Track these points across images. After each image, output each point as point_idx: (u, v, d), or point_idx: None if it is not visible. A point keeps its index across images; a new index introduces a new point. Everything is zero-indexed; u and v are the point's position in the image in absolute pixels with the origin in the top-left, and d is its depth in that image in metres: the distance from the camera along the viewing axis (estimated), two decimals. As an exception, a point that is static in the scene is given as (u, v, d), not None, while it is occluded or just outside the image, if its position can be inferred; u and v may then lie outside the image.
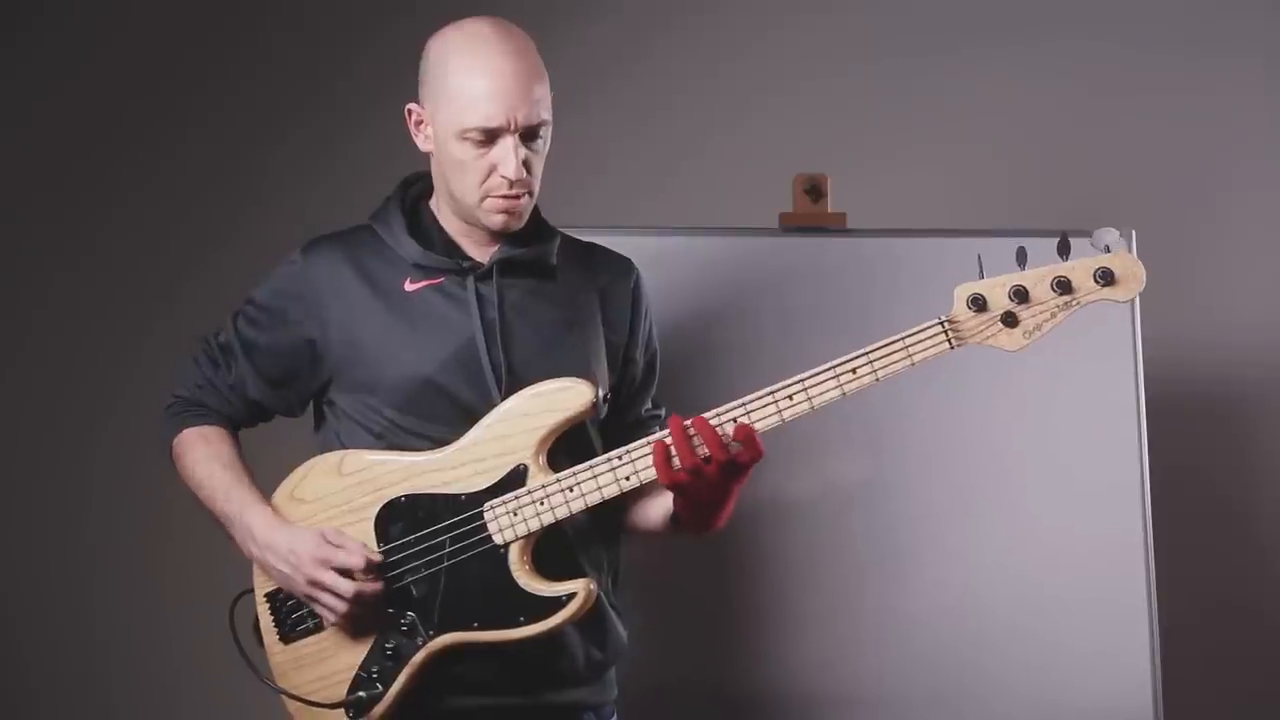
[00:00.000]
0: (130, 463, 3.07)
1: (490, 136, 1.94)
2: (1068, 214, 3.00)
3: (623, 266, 2.15)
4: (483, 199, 1.98)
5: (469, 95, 1.93)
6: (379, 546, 1.96)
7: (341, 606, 1.93)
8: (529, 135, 1.95)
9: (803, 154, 2.78)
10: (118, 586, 3.15)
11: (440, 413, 1.97)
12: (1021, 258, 1.85)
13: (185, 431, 2.09)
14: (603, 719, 2.09)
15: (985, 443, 2.60)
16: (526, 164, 1.95)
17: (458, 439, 1.96)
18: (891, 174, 3.10)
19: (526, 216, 2.03)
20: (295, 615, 2.00)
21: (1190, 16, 3.22)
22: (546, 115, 1.96)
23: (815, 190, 2.65)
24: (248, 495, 2.01)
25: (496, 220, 1.99)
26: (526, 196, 1.99)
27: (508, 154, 1.93)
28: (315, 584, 1.93)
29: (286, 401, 2.11)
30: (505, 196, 1.96)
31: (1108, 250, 1.84)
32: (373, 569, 1.93)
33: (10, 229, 3.19)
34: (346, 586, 1.92)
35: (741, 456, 1.88)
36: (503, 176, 1.94)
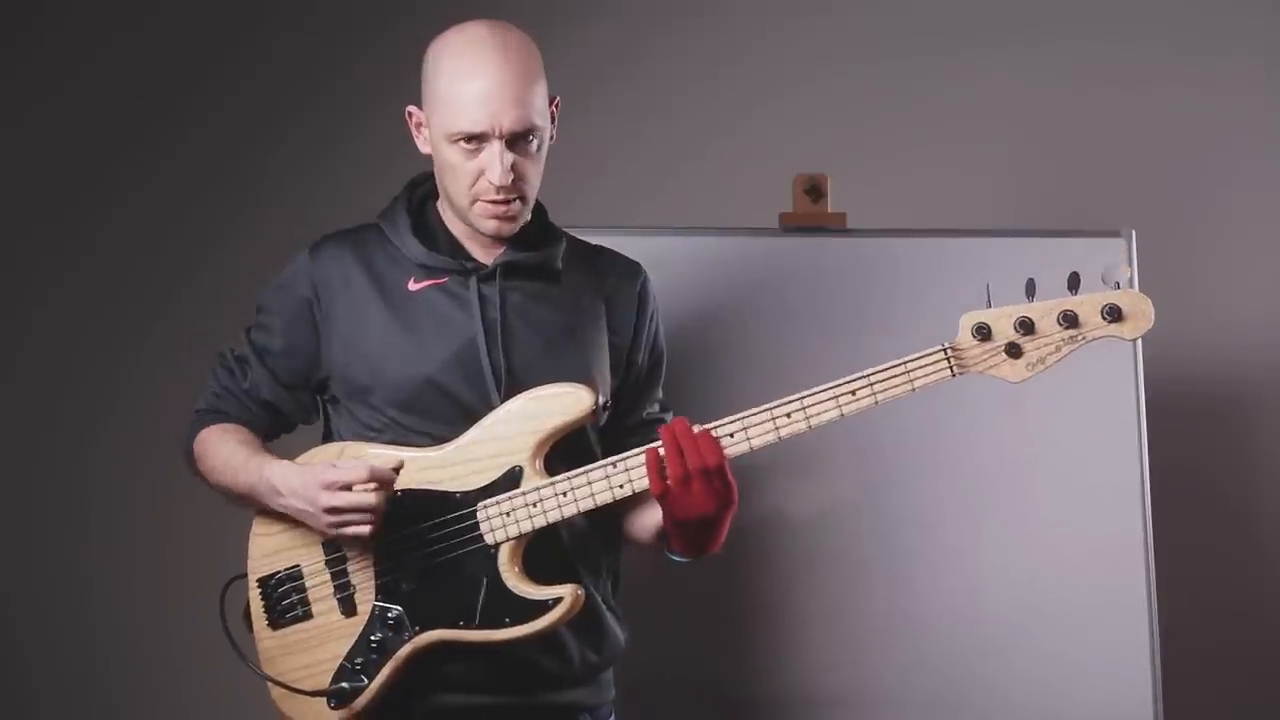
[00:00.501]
0: (130, 462, 3.08)
1: (477, 141, 1.93)
2: (1067, 214, 3.01)
3: (630, 269, 2.15)
4: (472, 203, 1.98)
5: (457, 99, 1.93)
6: (373, 541, 1.95)
7: (362, 523, 1.88)
8: (517, 140, 1.94)
9: (803, 154, 2.78)
10: (117, 586, 3.15)
11: (441, 412, 1.98)
12: (1030, 289, 1.85)
13: (204, 431, 2.09)
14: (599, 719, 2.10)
15: (985, 443, 2.60)
16: (518, 169, 1.95)
17: (457, 438, 1.96)
18: (891, 174, 3.10)
19: (522, 221, 2.03)
20: (285, 602, 2.01)
21: (1190, 16, 3.22)
22: (538, 121, 1.95)
23: (815, 190, 2.65)
24: (265, 457, 2.01)
25: (488, 226, 1.99)
26: (518, 202, 1.98)
27: (494, 160, 1.93)
28: (330, 510, 1.89)
29: (302, 404, 2.11)
30: (494, 202, 1.96)
31: (1117, 286, 1.84)
32: (380, 475, 1.89)
33: (10, 229, 3.19)
34: (358, 500, 1.87)
35: (707, 459, 1.86)
36: (490, 182, 1.94)
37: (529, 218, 2.05)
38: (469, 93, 1.92)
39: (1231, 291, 3.18)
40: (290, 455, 2.06)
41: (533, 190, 2.00)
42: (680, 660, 2.53)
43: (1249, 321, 3.17)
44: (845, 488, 2.60)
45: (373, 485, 1.88)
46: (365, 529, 1.90)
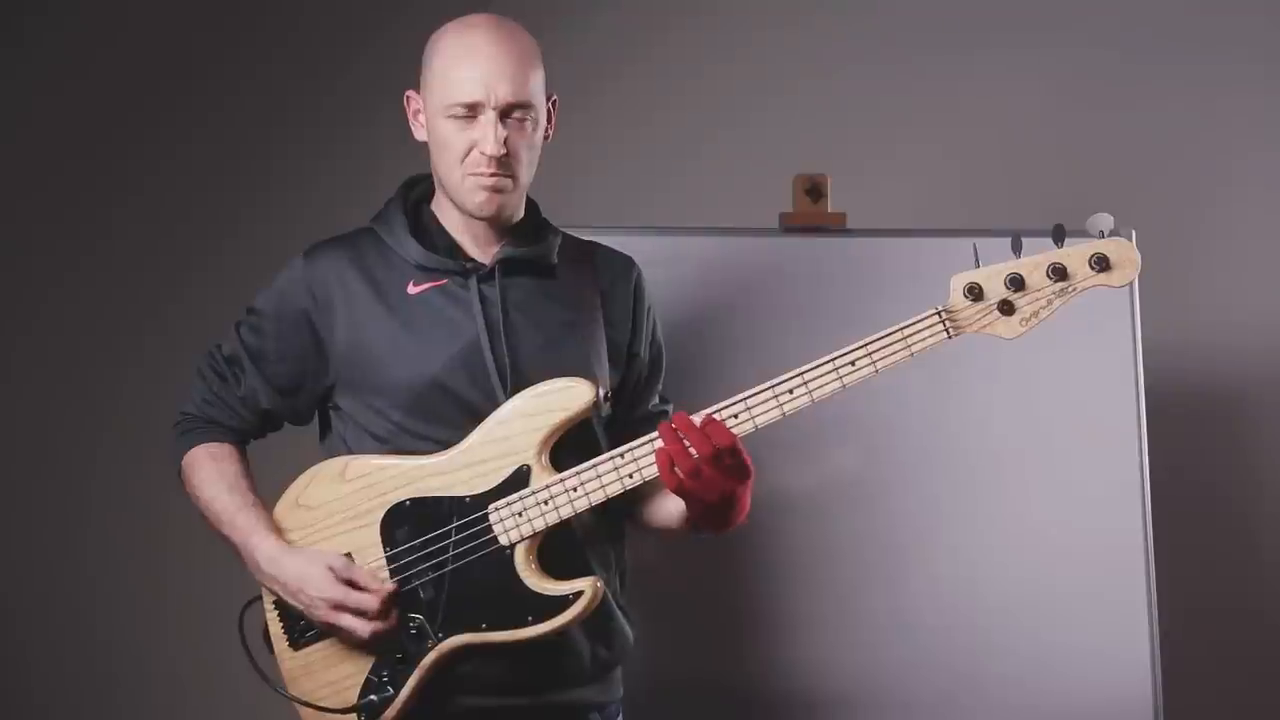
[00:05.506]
0: (132, 464, 3.07)
1: (471, 112, 1.95)
2: (1067, 213, 2.99)
3: (623, 265, 2.16)
4: (464, 178, 1.98)
5: (453, 74, 1.96)
6: (385, 551, 1.96)
7: (360, 641, 1.94)
8: (510, 113, 1.95)
9: (803, 154, 2.78)
10: (121, 592, 3.14)
11: (447, 414, 1.98)
12: (1017, 246, 1.86)
13: (194, 450, 2.09)
14: (608, 718, 2.10)
15: (985, 443, 2.60)
16: (510, 145, 1.96)
17: (460, 442, 1.96)
18: (891, 174, 3.10)
19: (515, 206, 2.04)
20: (304, 621, 2.00)
21: (1189, 16, 3.22)
22: (533, 99, 1.97)
23: (815, 190, 2.65)
24: (250, 522, 2.01)
25: (478, 199, 1.98)
26: (510, 180, 1.98)
27: (487, 130, 1.94)
28: (331, 626, 1.94)
29: (295, 410, 2.10)
30: (484, 174, 1.97)
31: (1103, 236, 1.85)
32: (389, 603, 1.93)
33: (10, 229, 3.19)
34: (364, 629, 1.92)
35: (719, 442, 1.85)
36: (481, 153, 1.95)
37: (520, 206, 2.06)
38: (464, 65, 1.95)
39: (1231, 291, 3.18)
40: (292, 460, 2.06)
41: (524, 173, 2.00)
42: (686, 658, 2.53)
43: (1249, 321, 3.17)
44: (848, 488, 2.60)
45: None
46: (360, 641, 1.94)
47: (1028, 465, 2.61)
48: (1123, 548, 2.59)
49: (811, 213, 2.65)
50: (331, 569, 1.94)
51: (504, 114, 1.95)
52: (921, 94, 3.21)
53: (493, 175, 1.97)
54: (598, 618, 1.98)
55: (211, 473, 2.06)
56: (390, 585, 1.94)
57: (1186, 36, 3.21)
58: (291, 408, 2.10)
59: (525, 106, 1.96)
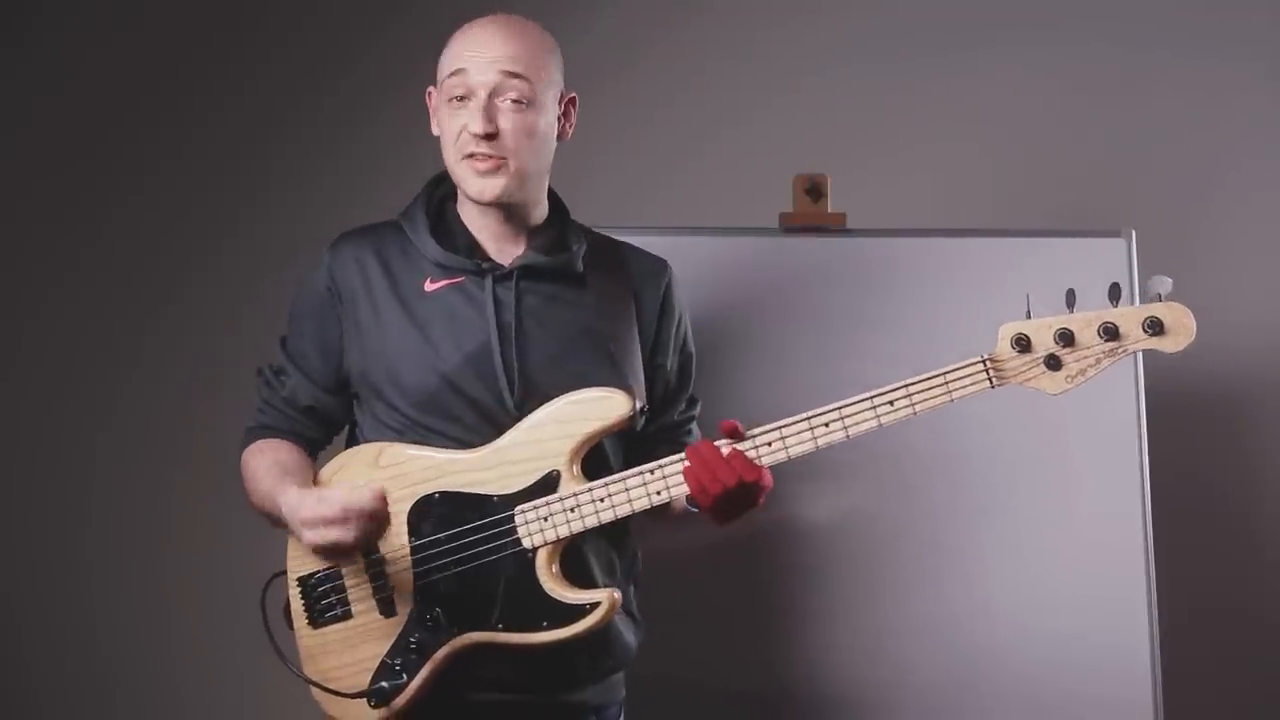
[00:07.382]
0: (132, 464, 3.07)
1: (465, 94, 1.95)
2: (1067, 214, 3.01)
3: (653, 268, 2.15)
4: (459, 161, 1.98)
5: (451, 52, 1.98)
6: (410, 541, 1.96)
7: (350, 535, 1.91)
8: (501, 93, 1.95)
9: (803, 154, 2.78)
10: (121, 592, 3.13)
11: (458, 412, 1.98)
12: (1070, 300, 1.82)
13: (248, 448, 2.10)
14: (607, 719, 2.10)
15: (985, 443, 2.60)
16: (501, 126, 1.95)
17: (479, 440, 1.97)
18: (891, 174, 3.10)
19: (524, 197, 2.03)
20: (324, 601, 2.01)
21: (1190, 16, 3.21)
22: (528, 74, 1.96)
23: (815, 190, 2.65)
24: (285, 481, 2.00)
25: (472, 186, 1.98)
26: (504, 163, 1.97)
27: (476, 108, 1.95)
28: (313, 546, 1.93)
29: (346, 406, 2.10)
30: (475, 155, 1.96)
31: (1159, 298, 1.82)
32: (355, 512, 1.90)
33: (10, 229, 3.19)
34: (322, 541, 1.90)
35: (747, 476, 1.88)
36: (470, 133, 1.95)
37: (536, 201, 2.06)
38: (464, 46, 1.97)
39: (1231, 291, 3.18)
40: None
41: (524, 159, 1.98)
42: (687, 661, 2.53)
43: (1249, 321, 3.17)
44: (851, 490, 2.59)
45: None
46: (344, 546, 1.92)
47: (1028, 465, 2.61)
48: (1123, 548, 2.59)
49: (811, 213, 2.65)
50: (318, 495, 1.93)
51: (496, 94, 1.95)
52: (922, 94, 3.21)
53: (485, 158, 1.96)
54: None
55: (261, 457, 2.06)
56: (367, 493, 1.92)
57: (1187, 36, 3.21)
58: (340, 403, 2.09)
59: (517, 84, 1.95)
